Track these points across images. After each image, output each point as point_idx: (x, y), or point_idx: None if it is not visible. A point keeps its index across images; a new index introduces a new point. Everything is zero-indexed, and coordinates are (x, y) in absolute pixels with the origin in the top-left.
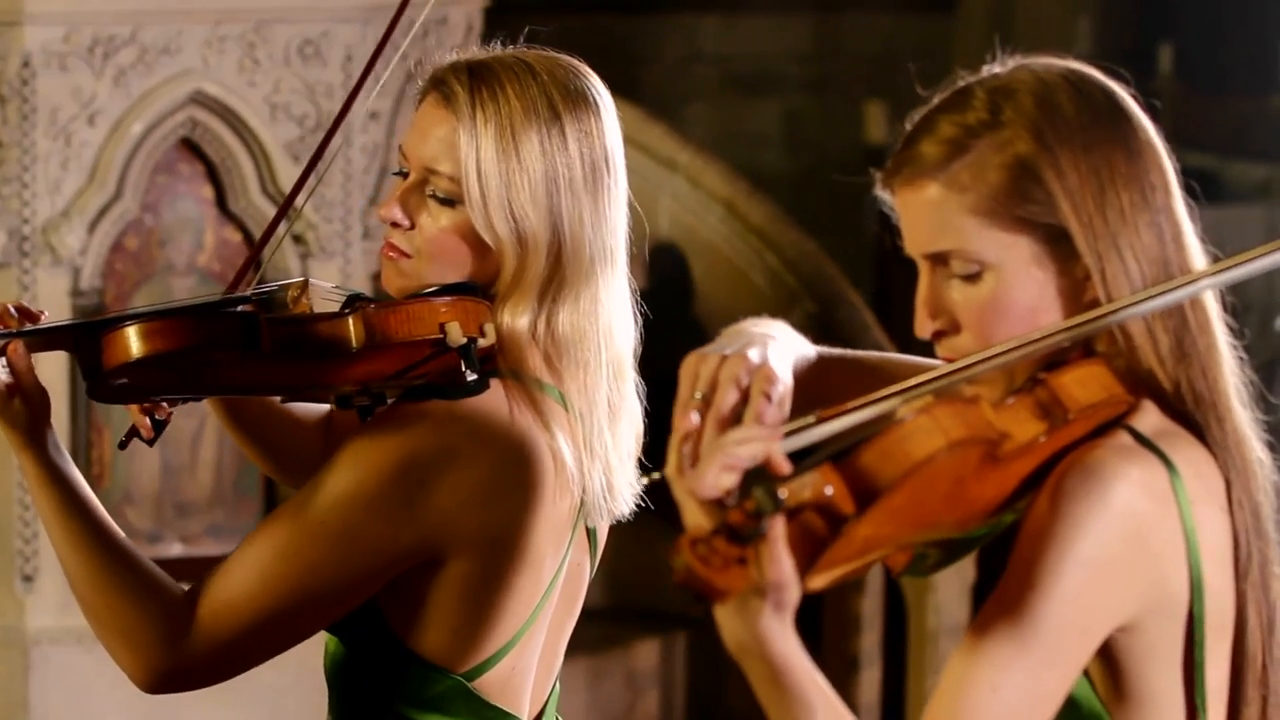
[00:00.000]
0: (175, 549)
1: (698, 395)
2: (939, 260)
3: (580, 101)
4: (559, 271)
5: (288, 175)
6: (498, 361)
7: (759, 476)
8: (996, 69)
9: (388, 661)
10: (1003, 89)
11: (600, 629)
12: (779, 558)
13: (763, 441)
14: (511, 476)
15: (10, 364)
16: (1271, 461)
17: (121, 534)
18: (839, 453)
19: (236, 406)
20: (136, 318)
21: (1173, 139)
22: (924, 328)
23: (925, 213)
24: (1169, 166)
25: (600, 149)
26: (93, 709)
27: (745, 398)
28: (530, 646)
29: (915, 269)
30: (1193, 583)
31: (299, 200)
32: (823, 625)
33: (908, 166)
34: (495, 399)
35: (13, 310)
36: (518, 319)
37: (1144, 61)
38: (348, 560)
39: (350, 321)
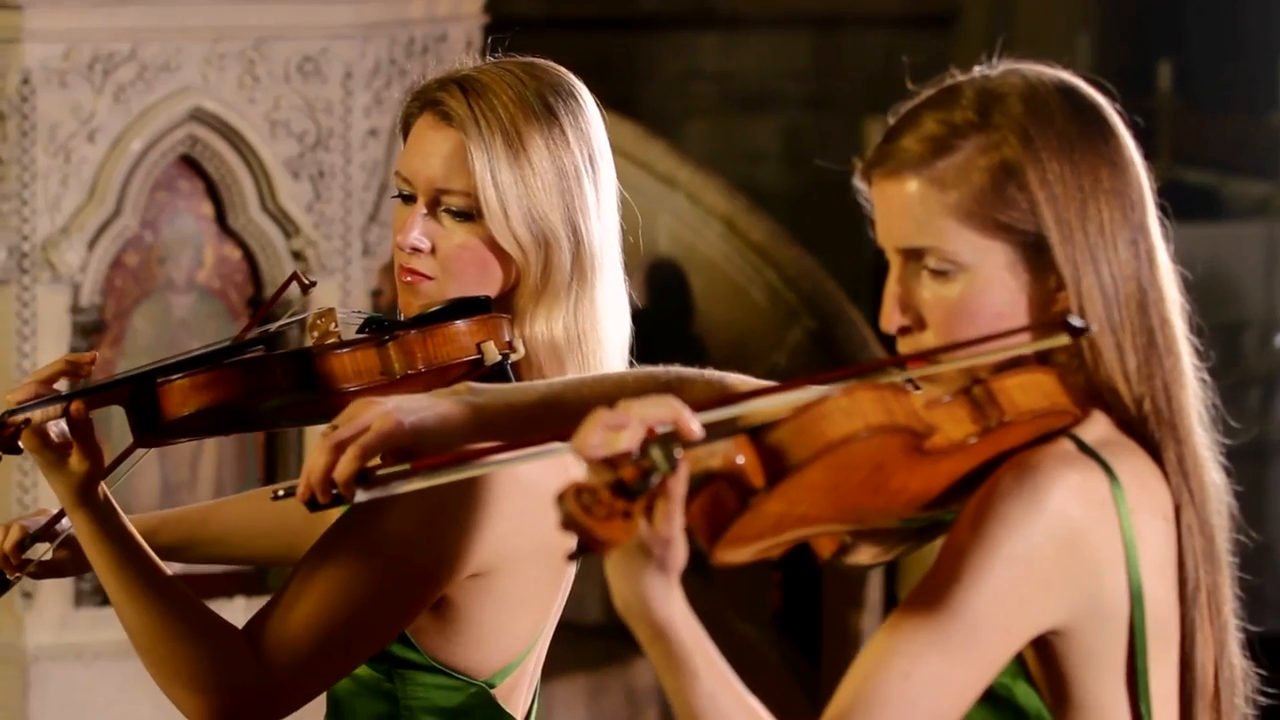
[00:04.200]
0: (174, 566)
1: (333, 424)
2: (912, 255)
3: (570, 98)
4: (579, 266)
5: (287, 192)
6: (520, 371)
7: (663, 440)
8: (986, 70)
9: (413, 673)
10: (992, 91)
11: (599, 646)
12: (673, 516)
13: (671, 407)
14: (549, 488)
15: (71, 423)
16: (1227, 483)
17: (176, 580)
18: (757, 427)
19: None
20: (193, 369)
21: (1172, 156)
22: (890, 321)
23: (903, 207)
24: (1148, 185)
25: (595, 141)
26: None
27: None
28: (539, 650)
29: None
30: (1132, 591)
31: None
32: (822, 643)
33: (890, 159)
34: None
35: (72, 364)
36: (553, 326)
37: (1144, 78)
38: (405, 584)
39: (391, 350)
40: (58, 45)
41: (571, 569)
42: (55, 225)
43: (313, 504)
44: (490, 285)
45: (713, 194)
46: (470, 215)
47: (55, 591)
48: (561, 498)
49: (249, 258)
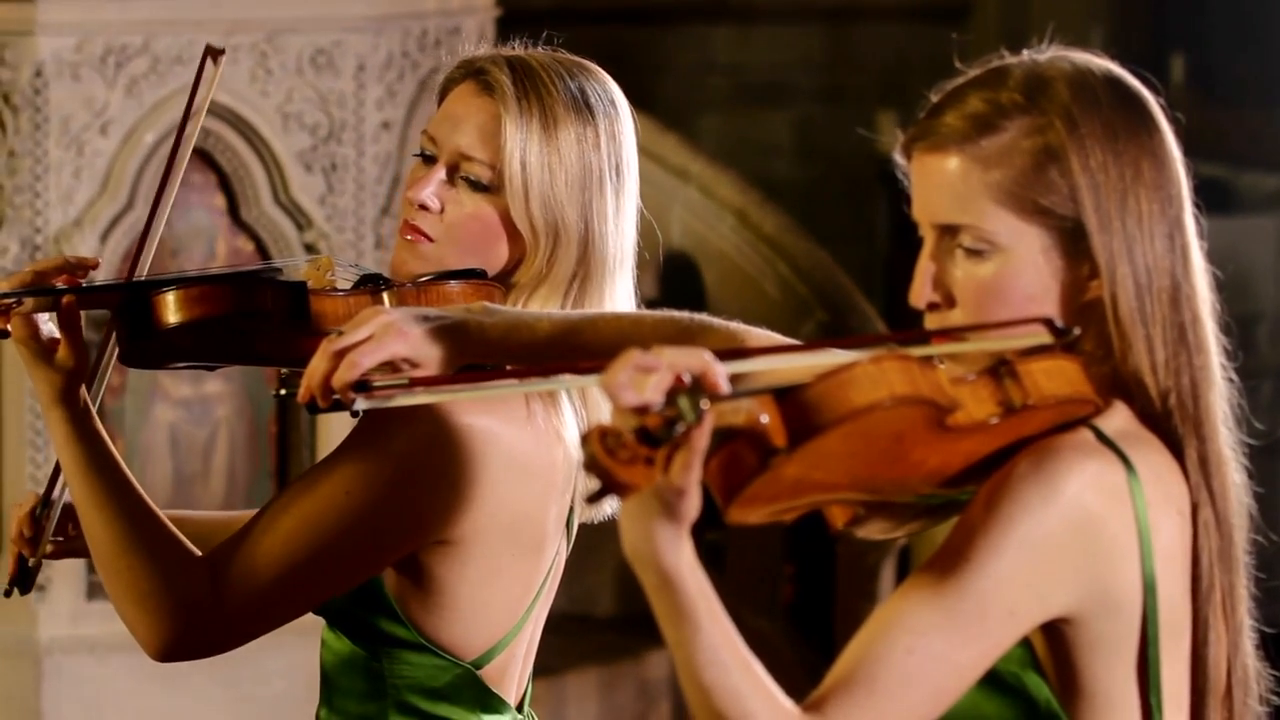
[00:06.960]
0: None
1: (338, 330)
2: (947, 232)
3: (610, 104)
4: (584, 266)
5: (300, 184)
6: None
7: (691, 390)
8: (1034, 54)
9: (400, 652)
10: (1040, 75)
11: (611, 638)
12: (691, 467)
13: (702, 359)
14: (531, 461)
15: (63, 320)
16: (1247, 483)
17: (146, 497)
18: (783, 388)
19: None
20: (188, 281)
21: (1185, 149)
22: (920, 297)
23: (943, 183)
24: (1186, 182)
25: (625, 152)
26: (105, 719)
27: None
28: (527, 633)
29: None
30: (1145, 583)
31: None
32: (834, 636)
33: (932, 134)
34: None
35: (72, 262)
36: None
37: (1157, 71)
38: (371, 534)
39: (385, 299)
40: (70, 38)
41: (551, 550)
42: (68, 218)
43: (312, 407)
44: (489, 261)
45: (725, 187)
46: (488, 187)
47: (68, 584)
48: (586, 439)
49: (261, 250)
